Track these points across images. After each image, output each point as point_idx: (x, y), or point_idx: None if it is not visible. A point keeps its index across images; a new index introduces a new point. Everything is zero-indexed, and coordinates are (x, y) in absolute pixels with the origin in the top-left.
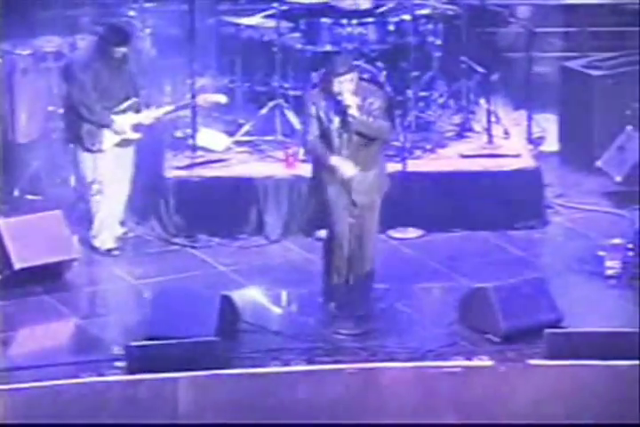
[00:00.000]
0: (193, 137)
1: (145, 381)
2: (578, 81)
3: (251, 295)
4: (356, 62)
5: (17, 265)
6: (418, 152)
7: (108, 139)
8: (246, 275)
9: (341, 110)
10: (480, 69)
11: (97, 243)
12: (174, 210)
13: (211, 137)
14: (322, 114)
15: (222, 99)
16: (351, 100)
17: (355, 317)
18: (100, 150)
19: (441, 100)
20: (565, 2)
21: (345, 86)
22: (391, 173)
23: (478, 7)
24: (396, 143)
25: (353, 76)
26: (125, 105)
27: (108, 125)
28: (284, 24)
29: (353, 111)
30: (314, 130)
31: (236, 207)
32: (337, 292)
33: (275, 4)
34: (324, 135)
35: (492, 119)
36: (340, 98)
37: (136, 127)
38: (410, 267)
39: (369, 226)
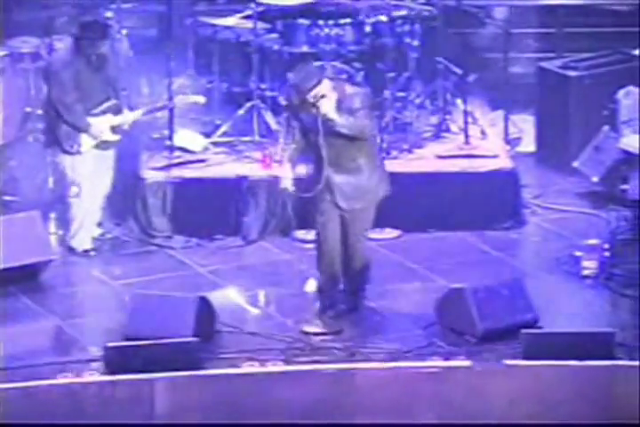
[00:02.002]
0: (170, 138)
1: (122, 382)
2: (554, 81)
3: (228, 296)
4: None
5: None
6: (395, 153)
7: (87, 141)
8: (224, 276)
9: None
10: (457, 70)
11: (74, 244)
12: (152, 211)
13: (188, 138)
14: (301, 116)
15: (200, 99)
16: (326, 106)
17: (341, 318)
18: (78, 152)
19: (418, 101)
20: (542, 2)
21: (319, 102)
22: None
23: (455, 8)
24: None
25: (322, 87)
26: (104, 107)
27: (85, 127)
28: (261, 25)
29: (330, 115)
30: (296, 139)
31: (214, 208)
32: (327, 293)
33: (252, 5)
34: (306, 137)
35: (469, 120)
36: (315, 108)
37: (115, 129)
38: (387, 267)
39: (356, 231)
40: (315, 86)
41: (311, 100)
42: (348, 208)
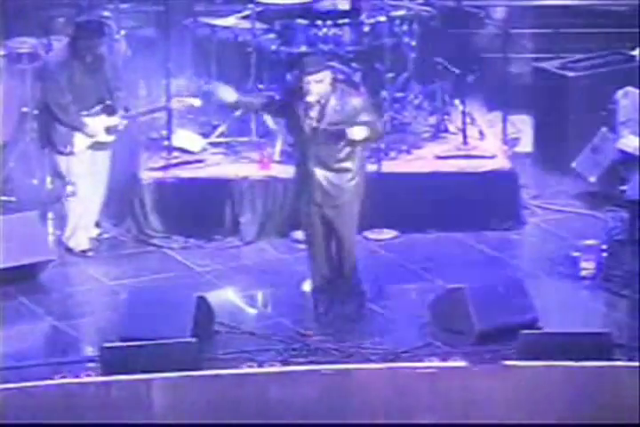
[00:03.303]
0: (168, 138)
1: (119, 382)
2: (553, 82)
3: (226, 296)
4: (330, 64)
5: None
6: (393, 153)
7: (80, 142)
8: (222, 276)
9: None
10: (455, 70)
11: (71, 244)
12: (150, 211)
13: (186, 138)
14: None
15: (196, 102)
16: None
17: (334, 317)
18: (71, 153)
19: (416, 101)
20: (540, 3)
21: (315, 87)
22: (366, 173)
23: (453, 8)
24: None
25: (324, 75)
26: (99, 108)
27: (79, 127)
28: (259, 25)
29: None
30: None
31: (212, 208)
32: (320, 292)
33: (250, 6)
34: (293, 130)
35: (468, 120)
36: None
37: (109, 130)
38: (385, 268)
39: (344, 229)
40: (317, 72)
41: (306, 84)
42: (331, 205)
